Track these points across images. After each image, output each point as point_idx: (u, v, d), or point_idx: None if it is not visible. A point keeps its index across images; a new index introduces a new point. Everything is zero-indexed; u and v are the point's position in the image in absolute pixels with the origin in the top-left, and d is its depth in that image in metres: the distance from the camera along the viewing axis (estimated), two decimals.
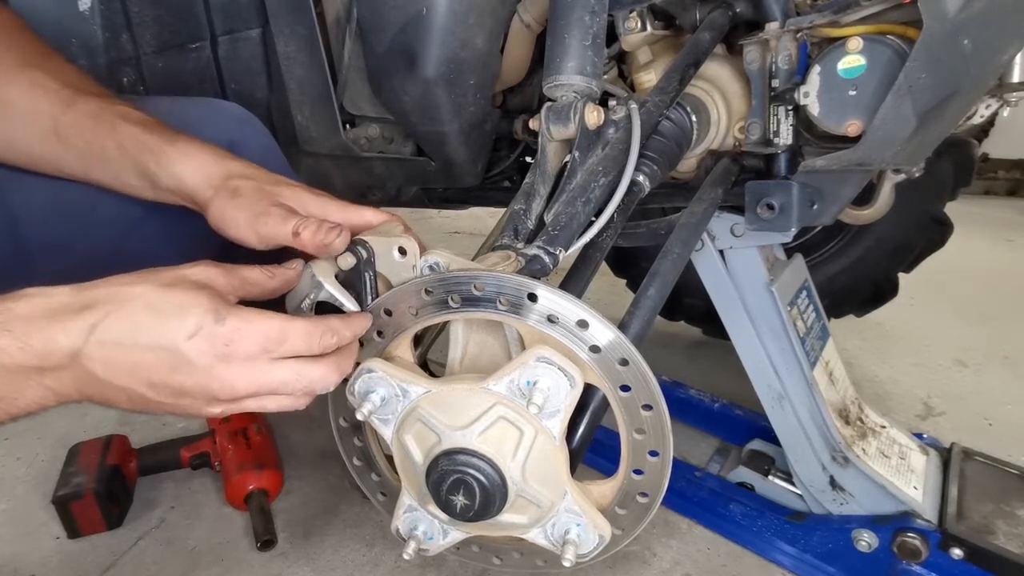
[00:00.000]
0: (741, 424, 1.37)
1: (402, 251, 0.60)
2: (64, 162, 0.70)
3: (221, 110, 0.87)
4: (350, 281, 0.61)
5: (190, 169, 0.67)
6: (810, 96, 0.82)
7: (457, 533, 0.65)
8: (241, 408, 0.54)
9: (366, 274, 0.61)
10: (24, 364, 0.47)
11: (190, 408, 0.52)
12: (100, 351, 0.48)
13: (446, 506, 0.57)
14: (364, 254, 0.60)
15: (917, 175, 1.06)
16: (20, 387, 0.48)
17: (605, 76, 1.04)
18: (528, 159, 1.31)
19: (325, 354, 0.55)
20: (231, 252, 0.65)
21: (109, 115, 0.69)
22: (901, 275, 1.54)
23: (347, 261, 0.60)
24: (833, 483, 1.08)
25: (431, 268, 0.59)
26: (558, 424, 0.56)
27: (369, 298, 0.61)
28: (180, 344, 0.49)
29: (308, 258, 0.62)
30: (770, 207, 0.89)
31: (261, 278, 0.57)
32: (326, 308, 0.60)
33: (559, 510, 0.59)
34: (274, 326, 0.52)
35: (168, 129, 0.70)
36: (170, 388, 0.50)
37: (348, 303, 0.60)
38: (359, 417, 0.59)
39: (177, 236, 0.79)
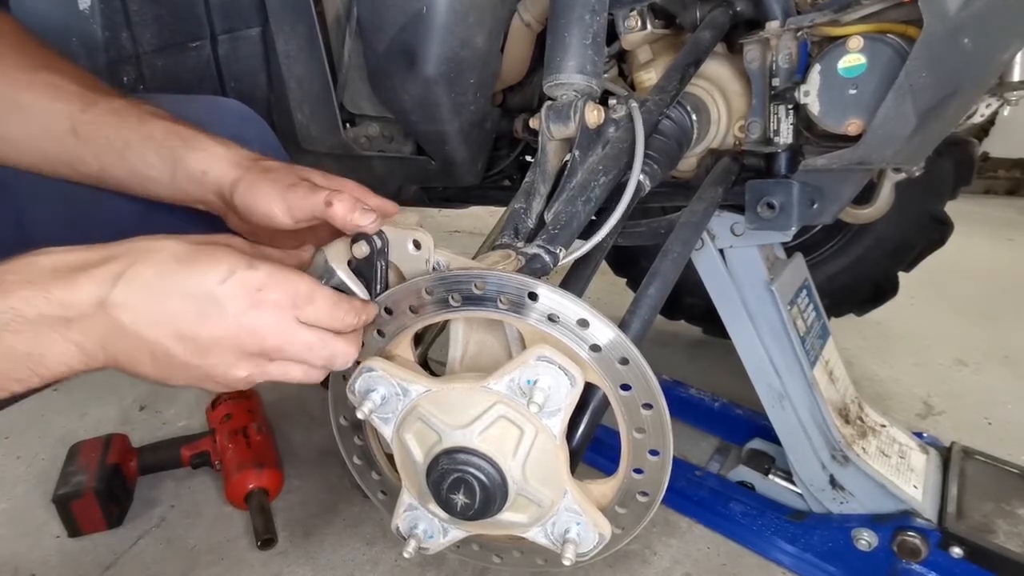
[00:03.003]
0: (741, 423, 1.37)
1: (417, 244, 0.60)
2: (78, 160, 0.70)
3: (224, 108, 0.88)
4: (360, 269, 0.61)
5: (220, 153, 0.67)
6: (810, 95, 0.82)
7: (457, 532, 0.65)
8: (266, 374, 0.54)
9: (378, 264, 0.60)
10: (48, 314, 0.46)
11: (216, 369, 0.51)
12: (127, 296, 0.48)
13: (446, 505, 0.57)
14: (379, 244, 0.60)
15: (917, 174, 1.06)
16: (46, 342, 0.47)
17: (605, 75, 1.04)
18: (528, 158, 1.31)
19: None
20: None
21: (135, 110, 0.70)
22: (901, 274, 1.54)
23: (362, 250, 0.60)
24: (833, 482, 1.08)
25: (432, 267, 0.59)
26: (558, 423, 0.56)
27: (378, 288, 0.61)
28: (213, 288, 0.49)
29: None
30: (770, 206, 0.89)
31: (279, 257, 0.58)
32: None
33: (559, 509, 0.59)
34: (304, 283, 0.52)
35: (195, 125, 0.71)
36: (198, 342, 0.50)
37: (359, 291, 0.60)
38: (359, 416, 0.59)
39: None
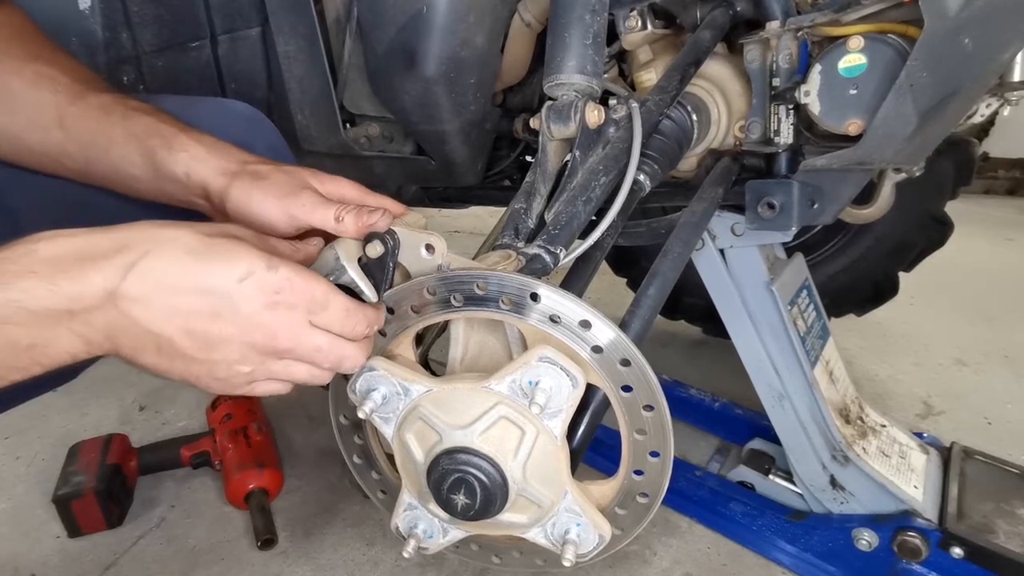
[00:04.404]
0: (741, 423, 1.37)
1: (429, 248, 0.59)
2: (64, 155, 0.69)
3: (230, 109, 0.87)
4: (371, 268, 0.60)
5: (202, 155, 0.65)
6: (811, 95, 0.82)
7: (457, 532, 0.65)
8: (270, 373, 0.53)
9: (389, 264, 0.60)
10: (53, 307, 0.44)
11: (219, 365, 0.50)
12: (140, 289, 0.46)
13: (447, 505, 0.57)
14: (392, 244, 0.59)
15: (918, 174, 1.06)
16: (50, 334, 0.45)
17: (605, 75, 1.04)
18: (528, 158, 1.31)
19: None
20: None
21: (121, 107, 0.68)
22: (901, 274, 1.54)
23: (375, 250, 0.59)
24: (833, 482, 1.08)
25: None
26: (560, 424, 0.55)
27: (387, 288, 0.60)
28: (230, 287, 0.47)
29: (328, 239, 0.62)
30: (771, 206, 0.89)
31: (288, 251, 0.57)
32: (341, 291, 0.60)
33: (559, 510, 0.59)
34: (320, 288, 0.51)
35: (180, 121, 0.69)
36: (207, 338, 0.49)
37: (368, 291, 0.59)
38: (360, 415, 0.59)
39: None
